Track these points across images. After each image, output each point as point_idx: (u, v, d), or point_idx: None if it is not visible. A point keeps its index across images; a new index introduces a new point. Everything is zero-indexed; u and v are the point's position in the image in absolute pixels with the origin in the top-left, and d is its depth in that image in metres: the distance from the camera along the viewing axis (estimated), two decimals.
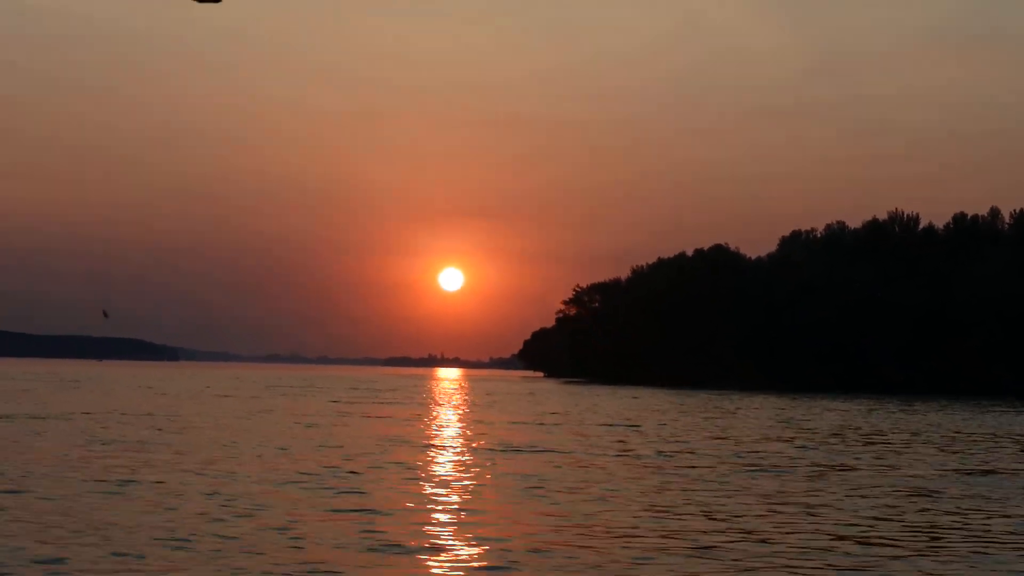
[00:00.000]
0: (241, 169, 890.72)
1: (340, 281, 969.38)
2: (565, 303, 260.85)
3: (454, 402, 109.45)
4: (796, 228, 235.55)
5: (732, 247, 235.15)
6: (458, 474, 38.36)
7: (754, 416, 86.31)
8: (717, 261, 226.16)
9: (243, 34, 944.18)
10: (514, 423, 71.66)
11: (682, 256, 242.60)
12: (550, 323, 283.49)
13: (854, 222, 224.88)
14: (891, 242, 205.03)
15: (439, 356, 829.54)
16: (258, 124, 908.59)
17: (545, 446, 51.29)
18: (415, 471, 38.71)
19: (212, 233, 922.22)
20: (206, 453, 43.91)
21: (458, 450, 49.09)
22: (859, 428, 71.93)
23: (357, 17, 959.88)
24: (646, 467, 41.97)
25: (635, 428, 67.43)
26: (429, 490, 33.18)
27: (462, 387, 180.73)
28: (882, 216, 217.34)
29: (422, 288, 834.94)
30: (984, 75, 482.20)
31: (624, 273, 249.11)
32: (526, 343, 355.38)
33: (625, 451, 49.46)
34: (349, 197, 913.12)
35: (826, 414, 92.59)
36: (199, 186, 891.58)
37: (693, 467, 42.28)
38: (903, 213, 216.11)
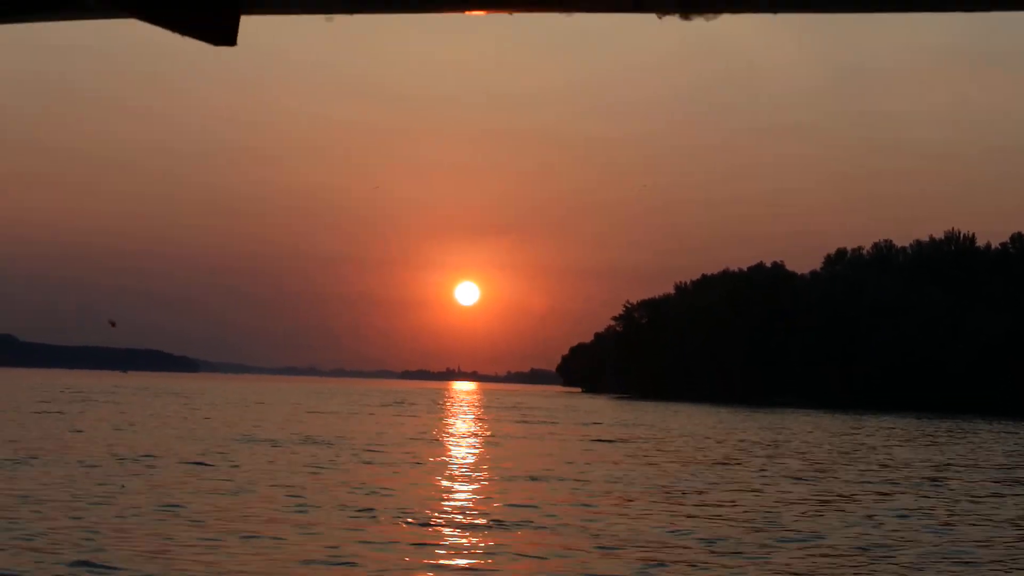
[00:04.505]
0: (259, 181, 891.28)
1: (356, 294, 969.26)
2: (615, 319, 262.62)
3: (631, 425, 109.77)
4: (841, 246, 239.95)
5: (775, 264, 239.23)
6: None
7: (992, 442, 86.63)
8: (771, 278, 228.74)
9: (265, 47, 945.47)
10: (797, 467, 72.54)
11: (730, 273, 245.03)
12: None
13: (899, 240, 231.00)
14: (950, 262, 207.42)
15: (456, 370, 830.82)
16: (276, 137, 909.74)
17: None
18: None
19: (229, 244, 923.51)
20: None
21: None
22: None
23: (377, 30, 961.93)
24: None
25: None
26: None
27: (572, 408, 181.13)
28: (937, 235, 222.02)
29: (439, 302, 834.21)
30: (999, 93, 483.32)
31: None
32: (564, 359, 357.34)
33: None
34: (367, 211, 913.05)
35: None
36: (217, 197, 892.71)
37: None
38: (959, 232, 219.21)
